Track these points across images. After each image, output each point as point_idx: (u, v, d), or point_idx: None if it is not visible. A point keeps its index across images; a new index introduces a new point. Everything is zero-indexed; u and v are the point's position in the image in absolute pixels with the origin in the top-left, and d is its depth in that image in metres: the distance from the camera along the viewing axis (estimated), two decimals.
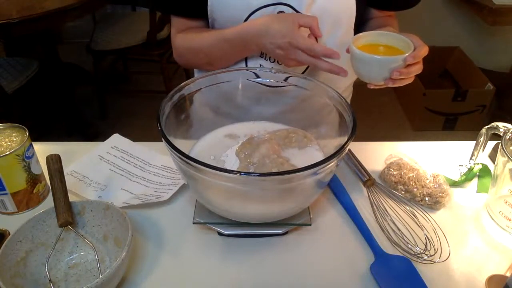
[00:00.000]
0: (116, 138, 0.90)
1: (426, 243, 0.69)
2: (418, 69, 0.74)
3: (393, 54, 0.72)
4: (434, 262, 0.66)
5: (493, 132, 0.76)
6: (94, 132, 2.39)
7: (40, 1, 1.82)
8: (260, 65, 0.87)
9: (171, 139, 0.61)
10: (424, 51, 0.73)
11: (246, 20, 0.82)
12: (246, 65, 0.88)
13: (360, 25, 0.91)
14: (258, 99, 0.83)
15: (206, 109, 0.83)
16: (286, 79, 0.79)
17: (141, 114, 2.47)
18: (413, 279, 0.64)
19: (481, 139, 0.78)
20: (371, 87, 0.78)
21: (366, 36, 0.78)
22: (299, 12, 0.80)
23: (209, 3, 0.82)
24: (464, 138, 0.93)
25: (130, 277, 0.65)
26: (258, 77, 0.80)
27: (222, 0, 0.82)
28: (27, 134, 0.73)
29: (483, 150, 0.79)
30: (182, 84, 0.73)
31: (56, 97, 2.34)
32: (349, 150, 0.86)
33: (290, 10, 0.80)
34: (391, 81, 0.74)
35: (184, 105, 0.74)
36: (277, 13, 0.80)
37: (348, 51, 0.76)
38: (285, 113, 0.83)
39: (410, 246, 0.68)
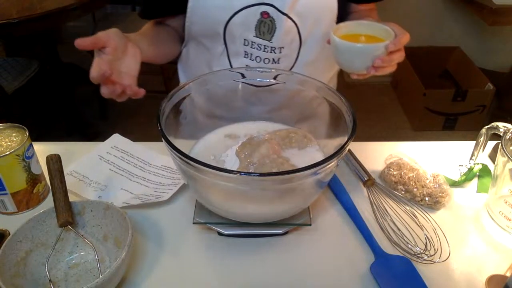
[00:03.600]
0: (116, 138, 0.90)
1: (426, 243, 0.69)
2: (400, 56, 0.73)
3: (374, 43, 0.72)
4: (434, 262, 0.66)
5: (493, 132, 0.76)
6: (94, 132, 2.39)
7: (40, 1, 1.82)
8: (246, 65, 0.88)
9: (171, 139, 0.61)
10: (405, 38, 0.72)
11: (228, 21, 0.82)
12: (231, 67, 0.89)
13: (340, 21, 0.91)
14: (254, 98, 0.84)
15: (205, 109, 0.83)
16: (275, 77, 0.79)
17: (141, 114, 2.47)
18: (413, 279, 0.64)
19: (481, 139, 0.78)
20: (354, 77, 0.77)
21: (346, 26, 0.77)
22: (282, 12, 0.81)
23: (189, 4, 0.82)
24: (464, 138, 0.93)
25: (130, 277, 0.65)
26: (254, 78, 0.80)
27: (203, 2, 0.82)
28: (27, 134, 0.73)
29: (483, 150, 0.79)
30: (182, 84, 0.73)
31: (56, 97, 2.34)
32: (349, 150, 0.86)
33: (273, 10, 0.81)
34: (373, 69, 0.73)
35: (184, 105, 0.74)
36: (260, 13, 0.81)
37: (329, 42, 0.76)
38: (277, 110, 0.84)
39: (410, 246, 0.68)
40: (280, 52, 0.85)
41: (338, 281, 0.65)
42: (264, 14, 0.81)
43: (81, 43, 0.65)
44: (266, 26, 0.82)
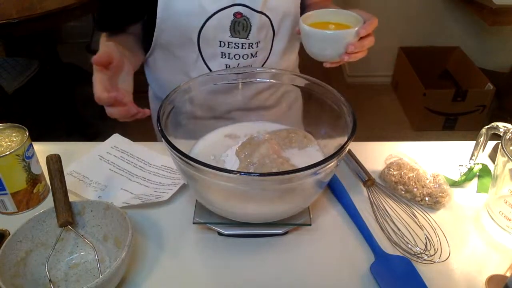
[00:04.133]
0: (116, 138, 0.90)
1: (426, 243, 0.69)
2: (370, 41, 0.75)
3: (345, 29, 0.73)
4: (434, 262, 0.66)
5: (493, 132, 0.76)
6: (94, 132, 2.39)
7: (40, 1, 1.82)
8: (226, 65, 0.88)
9: (171, 139, 0.61)
10: (374, 23, 0.74)
11: (202, 27, 0.81)
12: (210, 70, 0.88)
13: (303, 9, 0.92)
14: (233, 91, 0.84)
15: (204, 109, 0.83)
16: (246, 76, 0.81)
17: None
18: (413, 279, 0.64)
19: (481, 139, 0.78)
20: (327, 66, 0.78)
21: (314, 15, 0.78)
22: (255, 10, 0.81)
23: (159, 15, 0.81)
24: (464, 138, 0.93)
25: (130, 277, 0.65)
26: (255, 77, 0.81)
27: (175, 10, 0.81)
28: (27, 134, 0.73)
29: (483, 150, 0.79)
30: (181, 84, 0.73)
31: (56, 97, 2.34)
32: (349, 150, 0.86)
33: (246, 9, 0.81)
34: (346, 56, 0.74)
35: (184, 105, 0.74)
36: (233, 14, 0.81)
37: (298, 32, 0.77)
38: (253, 97, 0.87)
39: (410, 246, 0.68)
40: (257, 47, 0.87)
41: (338, 281, 0.65)
42: (237, 14, 0.82)
43: (99, 60, 0.65)
44: (240, 25, 0.83)
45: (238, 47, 0.86)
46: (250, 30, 0.84)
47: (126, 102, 0.67)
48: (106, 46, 0.69)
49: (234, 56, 0.87)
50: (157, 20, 0.82)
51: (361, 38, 0.73)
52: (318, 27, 0.74)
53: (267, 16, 0.84)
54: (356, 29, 0.72)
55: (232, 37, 0.84)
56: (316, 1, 0.93)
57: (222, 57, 0.87)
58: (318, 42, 0.74)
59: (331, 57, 0.76)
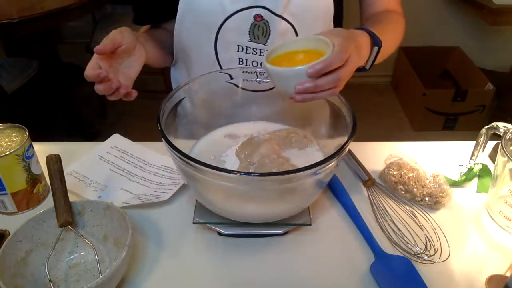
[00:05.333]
0: (116, 138, 0.90)
1: (426, 243, 0.69)
2: (330, 81, 0.58)
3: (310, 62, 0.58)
4: (434, 262, 0.66)
5: (493, 132, 0.76)
6: (94, 132, 2.39)
7: (40, 1, 1.82)
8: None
9: (171, 139, 0.61)
10: (337, 58, 0.57)
11: (220, 27, 0.80)
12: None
13: (338, 20, 0.86)
14: (252, 102, 0.83)
15: (205, 109, 0.83)
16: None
17: (141, 114, 2.47)
18: (413, 279, 0.64)
19: (481, 139, 0.78)
20: (293, 101, 0.62)
21: (287, 44, 0.66)
22: (275, 13, 0.79)
23: (179, 11, 0.81)
24: (464, 138, 0.93)
25: (130, 277, 0.65)
26: (252, 79, 0.80)
27: (194, 8, 0.80)
28: (27, 134, 0.73)
29: (483, 150, 0.79)
30: (181, 83, 0.73)
31: (56, 97, 2.34)
32: (349, 150, 0.86)
33: (266, 12, 0.79)
34: (297, 96, 0.59)
35: (184, 105, 0.74)
36: (253, 16, 0.79)
37: None
38: (276, 113, 0.83)
39: (410, 246, 0.68)
40: None
41: (338, 281, 0.65)
42: (257, 17, 0.79)
43: (102, 49, 0.65)
44: (260, 29, 0.81)
45: (256, 53, 0.83)
46: (269, 36, 0.81)
47: (111, 78, 0.66)
48: (119, 31, 0.69)
49: (252, 63, 0.84)
50: (177, 17, 0.82)
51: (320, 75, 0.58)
52: (286, 58, 0.64)
53: (289, 23, 0.80)
54: (304, 67, 0.57)
55: (250, 41, 0.81)
56: (375, 13, 0.87)
57: (239, 63, 0.84)
58: (271, 77, 0.63)
59: (289, 94, 0.62)
